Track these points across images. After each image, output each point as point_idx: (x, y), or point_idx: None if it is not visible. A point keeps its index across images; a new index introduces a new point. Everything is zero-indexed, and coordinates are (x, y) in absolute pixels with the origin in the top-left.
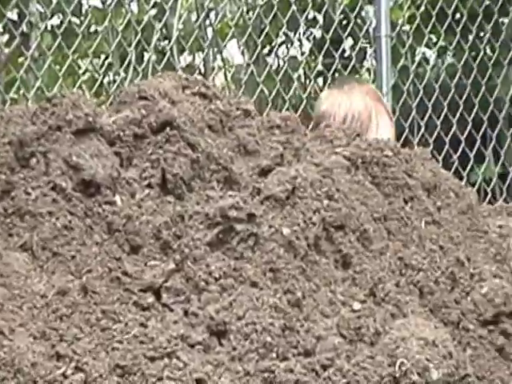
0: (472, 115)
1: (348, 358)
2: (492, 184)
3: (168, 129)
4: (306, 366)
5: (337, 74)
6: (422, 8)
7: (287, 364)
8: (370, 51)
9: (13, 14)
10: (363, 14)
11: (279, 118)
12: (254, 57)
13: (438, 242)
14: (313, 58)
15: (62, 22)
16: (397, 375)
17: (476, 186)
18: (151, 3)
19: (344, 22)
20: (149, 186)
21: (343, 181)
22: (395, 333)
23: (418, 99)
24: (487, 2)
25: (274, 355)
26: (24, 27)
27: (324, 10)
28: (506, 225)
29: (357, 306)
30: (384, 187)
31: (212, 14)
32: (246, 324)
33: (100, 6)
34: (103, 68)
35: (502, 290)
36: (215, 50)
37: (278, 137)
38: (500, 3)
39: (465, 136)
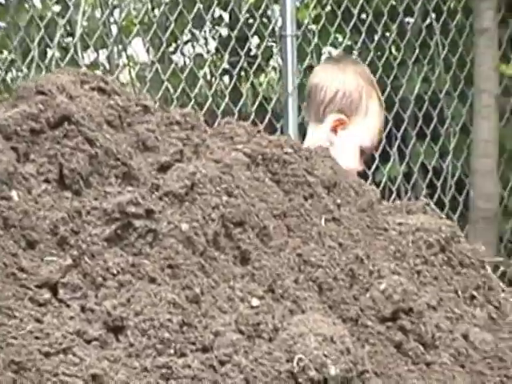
0: None
1: (246, 353)
2: (397, 183)
3: (66, 124)
4: (204, 362)
5: (242, 73)
6: (328, 8)
7: (185, 360)
8: (276, 50)
9: None
10: (269, 12)
11: (179, 114)
12: (159, 54)
13: (338, 239)
14: (219, 56)
15: None
16: (295, 371)
17: (381, 185)
18: None
19: (250, 21)
20: (46, 181)
21: (243, 177)
22: (293, 329)
23: None
24: (393, 2)
25: (172, 351)
26: None
27: (230, 8)
28: (405, 222)
29: (255, 302)
30: (284, 184)
31: (117, 11)
32: (143, 320)
33: (2, 1)
34: (5, 64)
35: (401, 286)
36: (120, 47)
37: (177, 133)
38: (405, 3)
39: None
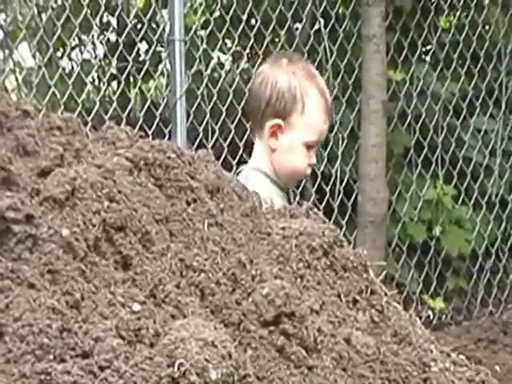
0: None
1: (126, 359)
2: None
3: None
4: (84, 368)
5: (131, 78)
6: (217, 13)
7: (64, 366)
8: (164, 55)
9: None
10: (157, 18)
11: (60, 119)
12: (46, 59)
13: (220, 243)
14: (107, 61)
15: None
16: (175, 376)
17: None
18: None
19: (138, 26)
20: None
21: (125, 182)
22: (175, 334)
23: (212, 104)
24: (281, 8)
25: (51, 357)
26: None
27: (117, 13)
28: (288, 227)
29: (136, 307)
30: (166, 189)
31: (2, 16)
32: (22, 326)
33: None
34: None
35: (283, 290)
36: (6, 52)
37: (58, 138)
38: (293, 9)
39: None
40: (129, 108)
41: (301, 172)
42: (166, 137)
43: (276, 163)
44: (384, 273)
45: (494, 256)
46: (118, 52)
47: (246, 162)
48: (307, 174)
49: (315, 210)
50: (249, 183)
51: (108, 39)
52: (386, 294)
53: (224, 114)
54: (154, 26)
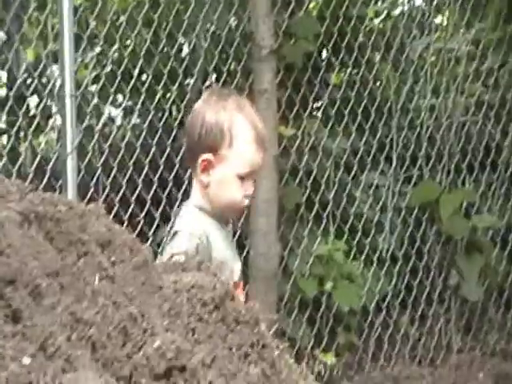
0: (157, 175)
1: None
2: None
3: None
4: None
5: (21, 133)
6: (108, 68)
7: None
8: (55, 110)
9: None
10: (48, 72)
11: None
12: None
13: (112, 297)
14: None
15: None
16: None
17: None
18: None
19: (29, 80)
20: None
21: (15, 236)
22: None
23: (103, 158)
24: (173, 64)
25: None
26: None
27: (7, 67)
28: (180, 280)
29: (26, 360)
30: (57, 242)
31: None
32: None
33: None
34: None
35: (174, 344)
36: None
37: None
38: (184, 65)
39: (150, 196)
40: (19, 162)
41: (236, 204)
42: (57, 192)
43: (211, 198)
44: (275, 327)
45: (384, 311)
46: (7, 106)
47: (136, 217)
48: (244, 204)
49: (206, 263)
50: (180, 219)
51: None
52: (277, 348)
53: (115, 168)
54: (44, 80)
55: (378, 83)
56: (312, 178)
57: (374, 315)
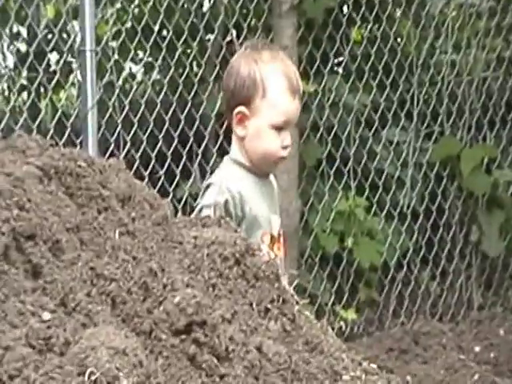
0: (178, 131)
1: (37, 368)
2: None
3: None
4: None
5: (42, 89)
6: (128, 24)
7: None
8: (75, 66)
9: None
10: (68, 28)
11: None
12: None
13: (132, 252)
14: (17, 71)
15: None
16: None
17: (182, 202)
18: None
19: (49, 36)
20: None
21: (35, 191)
22: (85, 342)
23: (123, 114)
24: (193, 19)
25: None
26: None
27: (28, 23)
28: (200, 236)
29: (46, 316)
30: (77, 197)
31: None
32: None
33: None
34: None
35: (194, 299)
36: None
37: None
38: (205, 20)
39: (171, 152)
40: (39, 119)
41: (274, 155)
42: (77, 148)
43: (248, 150)
44: (296, 283)
45: (405, 267)
46: (28, 62)
47: (157, 172)
48: (282, 155)
49: (227, 219)
50: (215, 172)
51: (18, 49)
52: (297, 303)
53: (136, 125)
54: (65, 36)
55: (398, 39)
56: (333, 133)
57: (395, 271)
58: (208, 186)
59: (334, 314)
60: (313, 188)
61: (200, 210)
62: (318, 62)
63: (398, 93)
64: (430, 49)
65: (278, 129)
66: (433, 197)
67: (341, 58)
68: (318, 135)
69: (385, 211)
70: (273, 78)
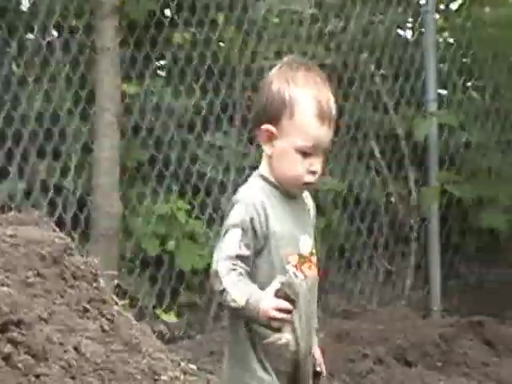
0: None
1: None
2: (17, 200)
3: None
4: None
5: None
6: None
7: None
8: None
9: None
10: None
11: None
12: None
13: None
14: None
15: None
16: None
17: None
18: None
19: None
20: None
21: None
22: None
23: None
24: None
25: None
26: None
27: None
28: (17, 234)
29: None
30: None
31: None
32: None
33: None
34: None
35: (10, 298)
36: None
37: None
38: (24, 20)
39: None
40: None
41: (298, 179)
42: None
43: (273, 169)
44: (117, 286)
45: None
46: None
47: None
48: (307, 181)
49: (46, 218)
50: (242, 187)
51: None
52: (117, 304)
53: None
54: None
55: (221, 43)
56: (155, 136)
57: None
58: (234, 203)
59: (155, 316)
60: (134, 191)
61: (227, 230)
62: (140, 65)
63: (221, 97)
64: (252, 54)
65: (305, 154)
66: None
67: (163, 61)
68: (140, 138)
69: (207, 215)
70: (301, 101)
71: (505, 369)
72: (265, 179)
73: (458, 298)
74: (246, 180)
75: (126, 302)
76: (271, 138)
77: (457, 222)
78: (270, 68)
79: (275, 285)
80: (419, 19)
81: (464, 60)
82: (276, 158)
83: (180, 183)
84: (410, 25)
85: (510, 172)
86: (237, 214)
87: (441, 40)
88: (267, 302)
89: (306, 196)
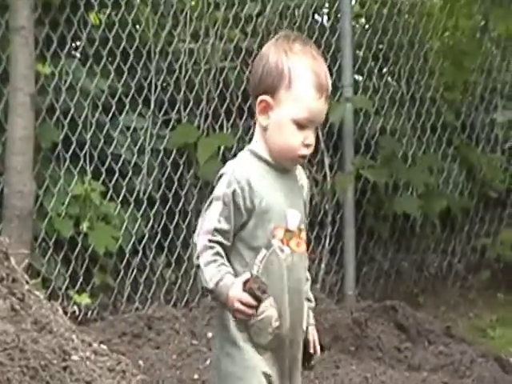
0: None
1: None
2: None
3: None
4: None
5: None
6: None
7: None
8: None
9: None
10: None
11: None
12: None
13: None
14: None
15: None
16: None
17: None
18: None
19: None
20: None
21: None
22: None
23: None
24: None
25: None
26: None
27: None
28: None
29: None
30: None
31: None
32: None
33: None
34: None
35: None
36: None
37: None
38: None
39: None
40: None
41: (293, 151)
42: None
43: (268, 141)
44: (30, 267)
45: (141, 253)
46: None
47: None
48: (302, 153)
49: None
50: (232, 161)
51: None
52: (27, 283)
53: None
54: None
55: (137, 25)
56: (69, 117)
57: (130, 257)
58: (220, 176)
59: (67, 298)
60: (48, 171)
61: (210, 202)
62: (55, 45)
63: (136, 79)
64: (168, 36)
65: (300, 126)
66: (169, 184)
67: (78, 42)
68: (55, 118)
69: (121, 197)
70: (300, 72)
71: (417, 354)
72: (254, 153)
73: (372, 282)
74: (162, 162)
75: (38, 281)
76: (267, 108)
77: (372, 207)
78: (186, 51)
79: (246, 276)
80: (336, 4)
81: (380, 46)
82: (271, 130)
83: (95, 164)
84: (326, 10)
85: (424, 158)
86: (220, 187)
87: (357, 26)
88: (234, 292)
89: (300, 172)
